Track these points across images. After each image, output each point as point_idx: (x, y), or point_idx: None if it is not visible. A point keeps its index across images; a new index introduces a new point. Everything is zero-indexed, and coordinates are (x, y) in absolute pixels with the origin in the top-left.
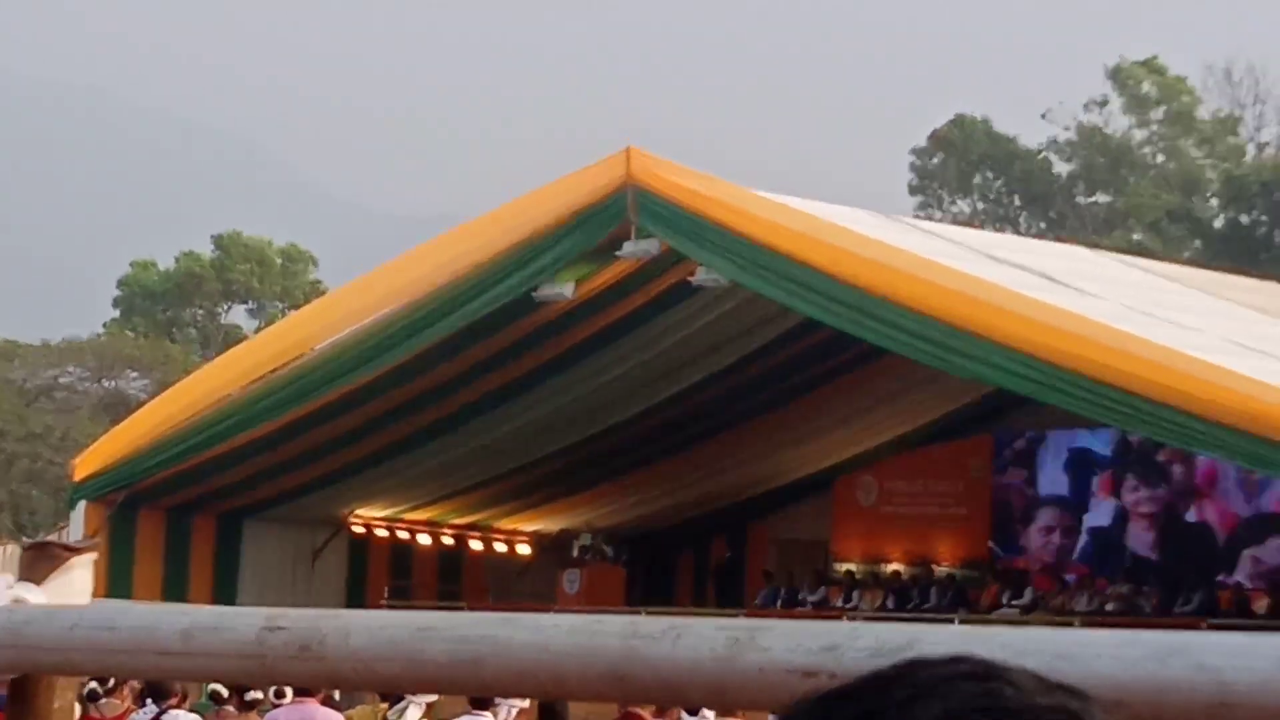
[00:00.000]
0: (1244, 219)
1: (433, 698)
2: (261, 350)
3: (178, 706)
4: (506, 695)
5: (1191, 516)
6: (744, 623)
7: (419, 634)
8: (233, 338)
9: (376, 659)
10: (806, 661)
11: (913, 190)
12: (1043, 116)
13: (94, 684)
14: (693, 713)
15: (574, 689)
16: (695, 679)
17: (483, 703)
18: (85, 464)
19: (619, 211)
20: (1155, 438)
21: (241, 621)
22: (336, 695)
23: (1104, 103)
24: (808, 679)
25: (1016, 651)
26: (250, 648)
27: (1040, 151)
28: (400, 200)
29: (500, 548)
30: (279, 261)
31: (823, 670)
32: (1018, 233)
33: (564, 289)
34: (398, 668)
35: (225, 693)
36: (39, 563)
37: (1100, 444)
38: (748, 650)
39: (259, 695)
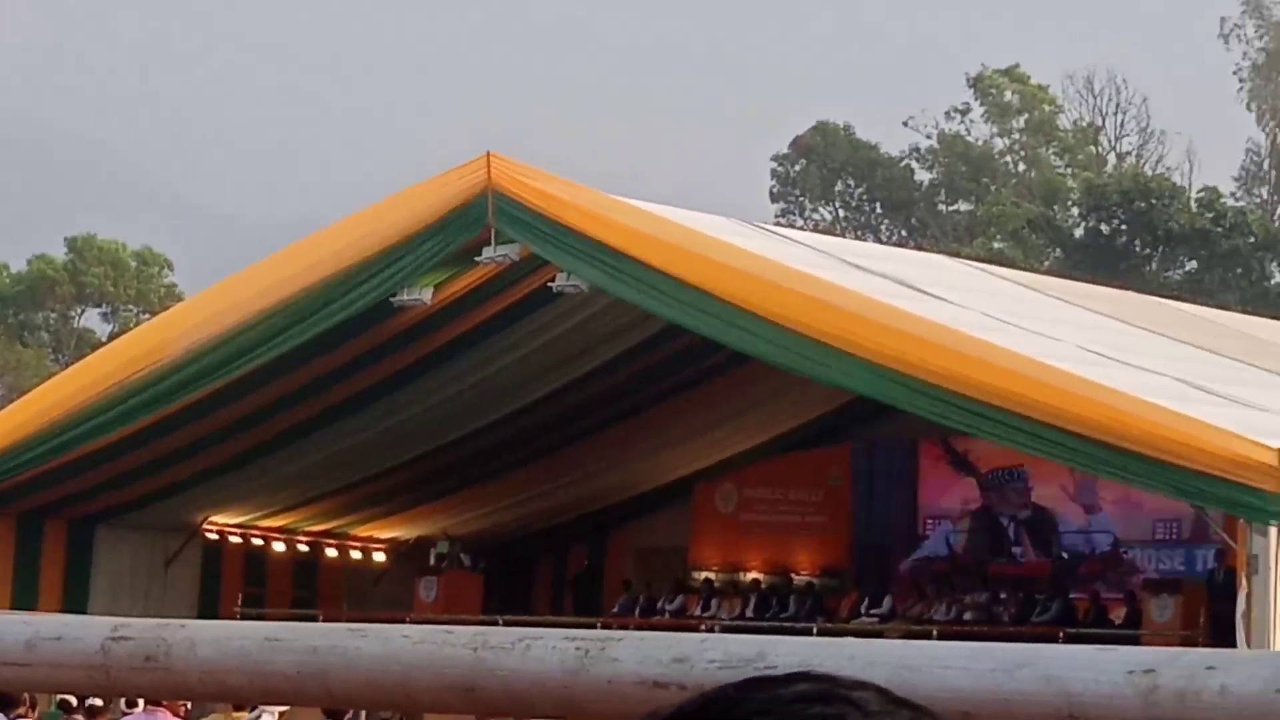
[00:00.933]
0: (1104, 228)
1: (284, 707)
2: (118, 356)
3: (25, 716)
4: (354, 707)
5: (1054, 526)
6: (594, 634)
7: (267, 645)
8: (86, 342)
9: (223, 670)
10: (656, 673)
11: (774, 197)
12: (905, 124)
13: None
14: None
15: (423, 701)
16: (545, 691)
17: (336, 713)
18: None
19: (479, 217)
20: (1015, 447)
21: (86, 631)
22: (189, 705)
23: (966, 111)
24: (658, 690)
25: (865, 664)
26: (95, 658)
27: (902, 159)
28: (257, 205)
29: (356, 555)
30: (133, 265)
31: (672, 682)
32: (879, 240)
33: (422, 294)
34: (244, 679)
35: (74, 702)
36: None
37: (960, 454)
38: (597, 662)
39: (98, 703)
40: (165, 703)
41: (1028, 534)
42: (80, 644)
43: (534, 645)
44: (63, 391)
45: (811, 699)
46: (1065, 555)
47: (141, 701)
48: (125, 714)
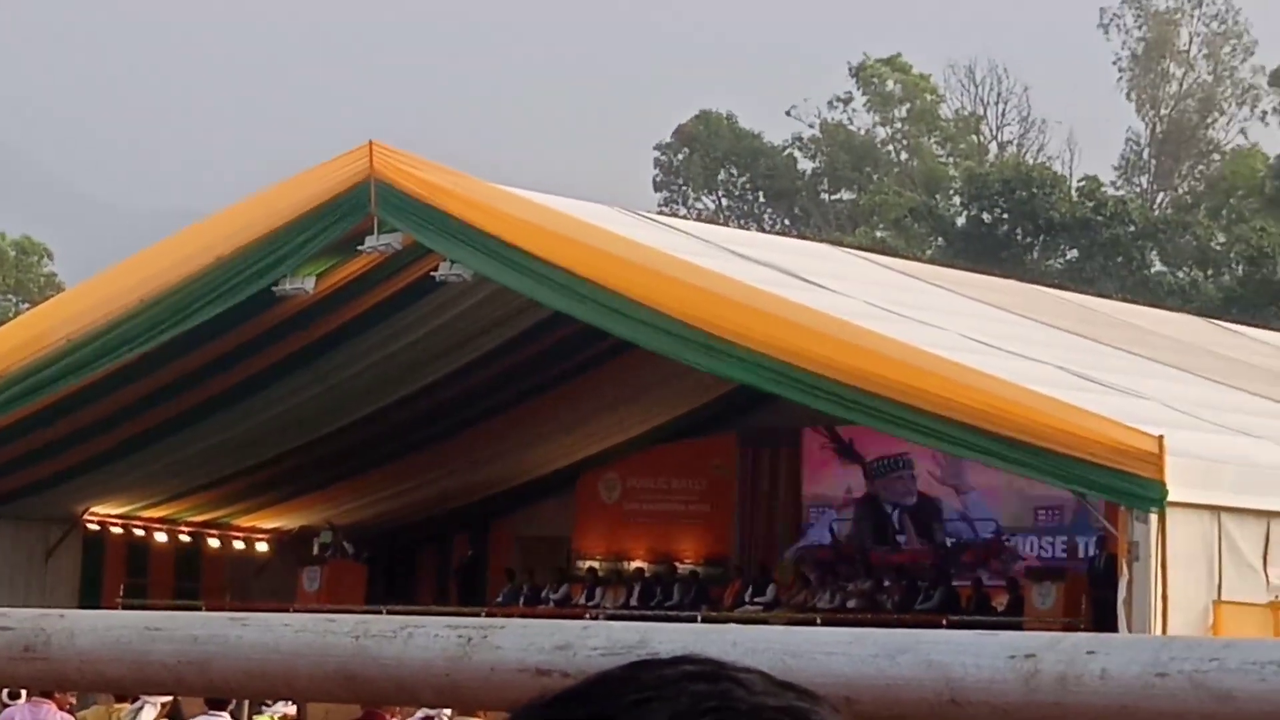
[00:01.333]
0: (985, 217)
1: (168, 698)
2: None
3: None
4: (236, 696)
5: (938, 514)
6: (476, 622)
7: (147, 634)
8: None
9: (103, 660)
10: (539, 660)
11: (657, 186)
12: (787, 113)
13: None
14: None
15: (305, 689)
16: (427, 679)
17: (219, 703)
18: None
19: (361, 205)
20: (898, 435)
21: None
22: (74, 700)
23: (848, 100)
24: (540, 678)
25: (747, 650)
26: None
27: (785, 148)
28: (139, 194)
29: (239, 545)
30: (12, 254)
31: (555, 669)
32: (762, 229)
33: (305, 284)
34: (125, 669)
35: None
36: None
37: (845, 442)
38: (480, 650)
39: None
40: (53, 695)
41: (912, 521)
42: None
43: (416, 633)
44: None
45: (696, 678)
46: (949, 543)
47: (24, 693)
48: (8, 705)
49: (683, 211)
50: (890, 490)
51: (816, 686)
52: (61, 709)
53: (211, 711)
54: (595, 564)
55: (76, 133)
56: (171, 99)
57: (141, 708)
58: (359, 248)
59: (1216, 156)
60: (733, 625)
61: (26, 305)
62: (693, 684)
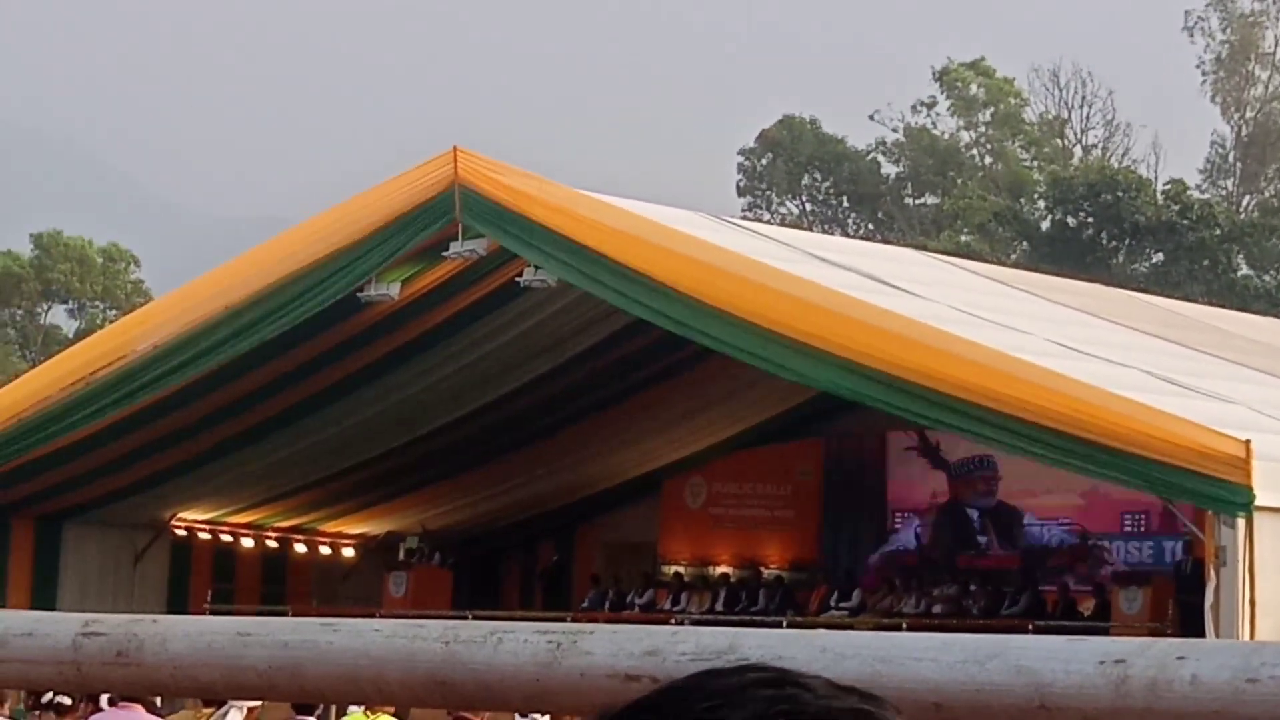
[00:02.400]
0: (1070, 221)
1: (256, 702)
2: (85, 353)
3: None
4: (327, 701)
5: (1018, 518)
6: (566, 627)
7: (238, 639)
8: (53, 338)
9: (195, 665)
10: (629, 665)
11: (741, 191)
12: (871, 118)
13: None
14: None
15: (395, 695)
16: (517, 684)
17: (306, 707)
18: None
19: (446, 211)
20: (982, 440)
21: (57, 627)
22: (158, 702)
23: (932, 104)
24: (630, 683)
25: (836, 655)
26: (66, 654)
27: (868, 153)
28: (224, 201)
29: (325, 551)
30: (99, 261)
31: (645, 674)
32: (846, 234)
33: (390, 289)
34: (216, 674)
35: (44, 699)
36: None
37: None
38: (570, 655)
39: (66, 700)
40: (140, 699)
41: (993, 525)
42: (51, 640)
43: (506, 639)
44: (30, 388)
45: (763, 684)
46: (1031, 547)
47: (105, 698)
48: (97, 709)
49: (766, 217)
50: (972, 492)
51: (905, 693)
52: (149, 713)
53: (299, 717)
54: (680, 569)
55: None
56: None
57: (227, 712)
58: (444, 254)
59: None
60: (821, 630)
61: (114, 312)
62: (760, 690)
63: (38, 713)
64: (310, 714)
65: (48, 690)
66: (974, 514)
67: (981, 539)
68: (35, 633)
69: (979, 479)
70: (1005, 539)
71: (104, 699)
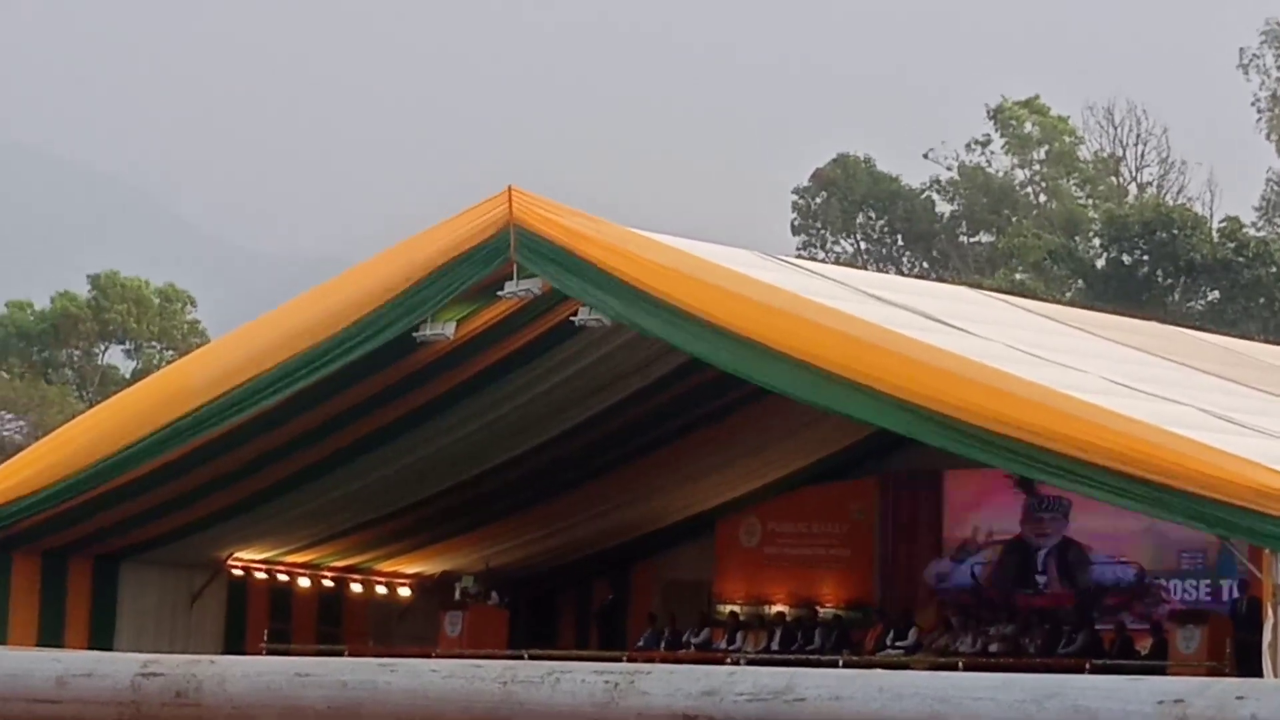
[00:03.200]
0: (1125, 259)
1: None
2: (142, 393)
3: None
4: None
5: (1085, 558)
6: (623, 667)
7: (297, 680)
8: (110, 379)
9: (254, 705)
10: (686, 705)
11: (795, 230)
12: (925, 156)
13: None
14: None
15: None
16: None
17: None
18: None
19: (501, 251)
20: (1038, 479)
21: (116, 668)
22: None
23: (986, 142)
24: None
25: (894, 695)
26: (125, 694)
27: (923, 191)
28: (280, 241)
29: (381, 590)
30: (156, 302)
31: (702, 714)
32: (900, 273)
33: (445, 329)
34: (275, 714)
35: None
36: None
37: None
38: (627, 695)
39: None
40: None
41: (1056, 564)
42: (111, 680)
43: (563, 679)
44: (87, 429)
45: None
46: (1093, 585)
47: None
48: None
49: (821, 255)
50: (1040, 531)
51: None
52: None
53: None
54: (736, 608)
55: (220, 181)
56: (314, 148)
57: None
58: (499, 293)
59: None
60: (879, 670)
61: (171, 352)
62: None
63: None
64: None
65: None
66: (1040, 552)
67: (1040, 577)
68: (95, 673)
69: (1051, 519)
70: (1066, 577)
71: None
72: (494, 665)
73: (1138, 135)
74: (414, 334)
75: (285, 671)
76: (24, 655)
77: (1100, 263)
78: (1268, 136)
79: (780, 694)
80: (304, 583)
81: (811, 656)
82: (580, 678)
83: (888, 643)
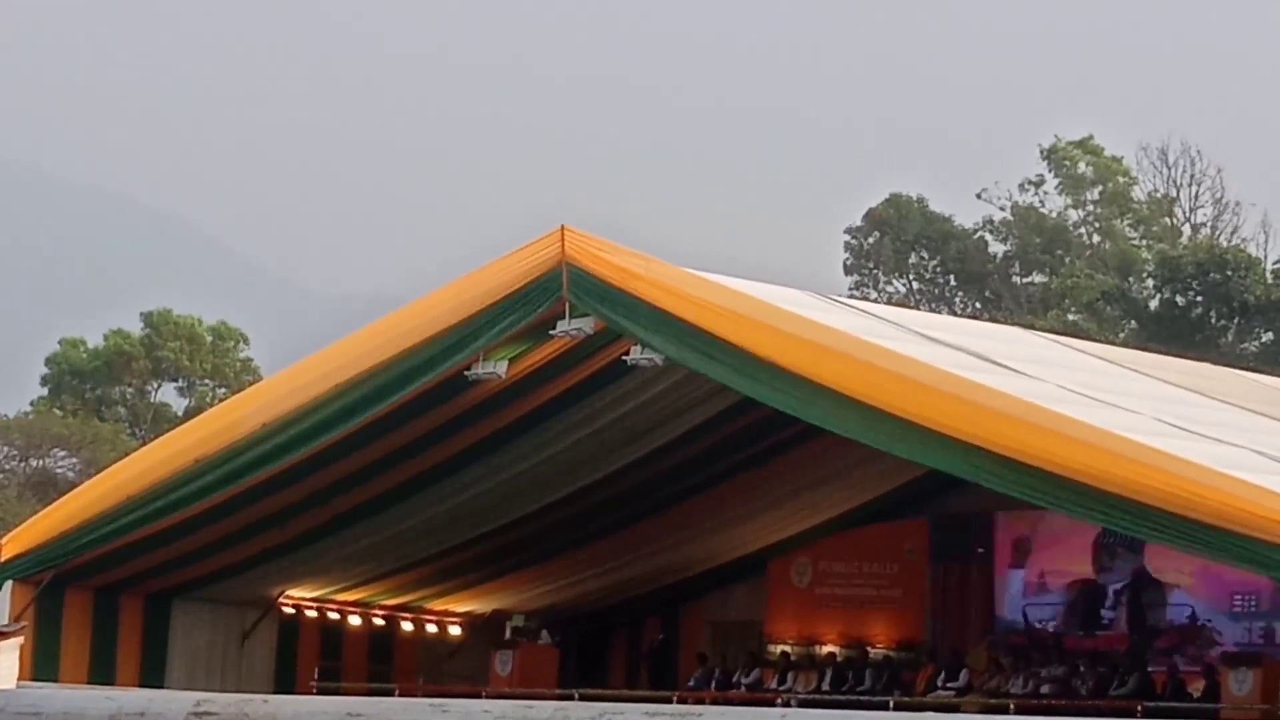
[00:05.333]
0: (1179, 300)
1: None
2: (194, 432)
3: None
4: None
5: (1155, 597)
6: (674, 708)
7: None
8: (163, 416)
9: None
10: None
11: (848, 270)
12: (978, 196)
13: None
14: None
15: None
16: None
17: None
18: (13, 543)
19: (553, 290)
20: (1091, 520)
21: (169, 706)
22: None
23: (1040, 182)
24: None
25: None
26: None
27: (976, 231)
28: (333, 279)
29: (431, 629)
30: (209, 339)
31: None
32: (953, 313)
33: (497, 368)
34: None
35: None
36: None
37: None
38: None
39: None
40: None
41: (1128, 601)
42: (164, 719)
43: (616, 719)
44: (139, 466)
45: None
46: (1168, 624)
47: None
48: None
49: (874, 295)
50: (1110, 566)
51: None
52: None
53: None
54: (787, 648)
55: (274, 219)
56: (369, 186)
57: None
58: (551, 332)
59: None
60: (929, 713)
61: (223, 390)
62: None
63: None
64: None
65: None
66: (1110, 588)
67: (1108, 613)
68: (147, 712)
69: (1124, 553)
70: (1138, 615)
71: None
72: (546, 706)
73: (1192, 176)
74: (466, 372)
75: (336, 711)
76: (78, 694)
77: (1154, 304)
78: None
79: None
80: (355, 621)
81: (863, 698)
82: (632, 718)
83: (939, 684)
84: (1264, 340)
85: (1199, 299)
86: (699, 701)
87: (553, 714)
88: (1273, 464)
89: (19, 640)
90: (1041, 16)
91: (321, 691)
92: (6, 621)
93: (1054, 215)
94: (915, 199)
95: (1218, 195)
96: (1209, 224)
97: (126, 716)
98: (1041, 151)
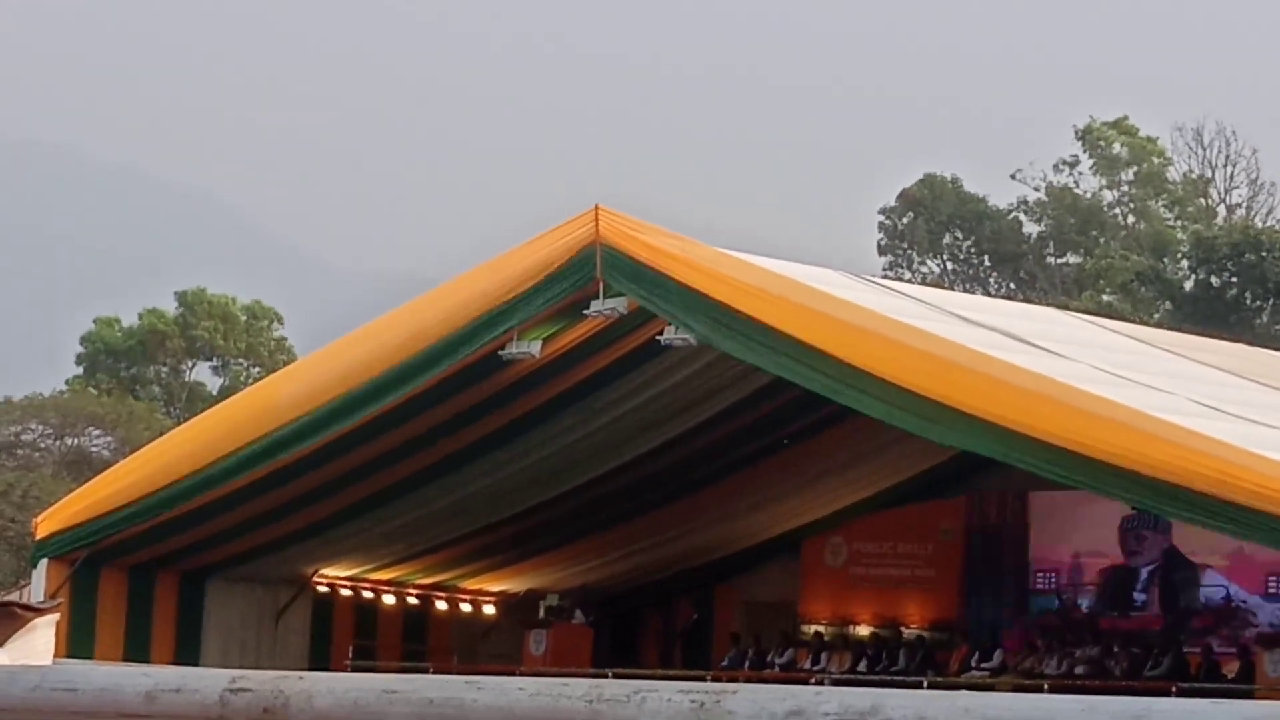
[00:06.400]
0: (1214, 281)
1: None
2: (229, 410)
3: None
4: None
5: (1187, 577)
6: (709, 686)
7: (384, 697)
8: (197, 395)
9: None
10: None
11: (882, 250)
12: (1013, 177)
13: None
14: None
15: None
16: None
17: None
18: (48, 522)
19: (587, 270)
20: (1125, 501)
21: (204, 683)
22: None
23: (1074, 163)
24: None
25: (979, 717)
26: (213, 709)
27: (1010, 212)
28: (368, 258)
29: (466, 608)
30: (243, 318)
31: None
32: (987, 293)
33: (531, 347)
34: None
35: None
36: (1, 623)
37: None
38: (713, 714)
39: None
40: None
41: (1160, 582)
42: (199, 696)
43: (650, 698)
44: (174, 445)
45: None
46: (1201, 606)
47: None
48: None
49: (908, 276)
50: (1139, 549)
51: None
52: None
53: None
54: (821, 628)
55: (306, 198)
56: (402, 165)
57: None
58: (584, 312)
59: None
60: (963, 692)
61: (258, 369)
62: None
63: None
64: None
65: None
66: (1142, 571)
67: (1140, 595)
68: (183, 688)
69: (1151, 534)
70: (1170, 596)
71: None
72: (580, 684)
73: (1227, 157)
74: (500, 352)
75: (372, 688)
76: (114, 670)
77: (1188, 284)
78: None
79: (866, 714)
80: (389, 600)
81: (896, 678)
82: (666, 697)
83: (973, 664)
84: None
85: (1234, 280)
86: (733, 681)
87: (587, 691)
88: None
89: (55, 617)
90: None
91: (355, 670)
92: (42, 599)
93: (1088, 196)
94: (949, 179)
95: (1253, 176)
96: (1244, 205)
97: (162, 693)
98: (1076, 132)
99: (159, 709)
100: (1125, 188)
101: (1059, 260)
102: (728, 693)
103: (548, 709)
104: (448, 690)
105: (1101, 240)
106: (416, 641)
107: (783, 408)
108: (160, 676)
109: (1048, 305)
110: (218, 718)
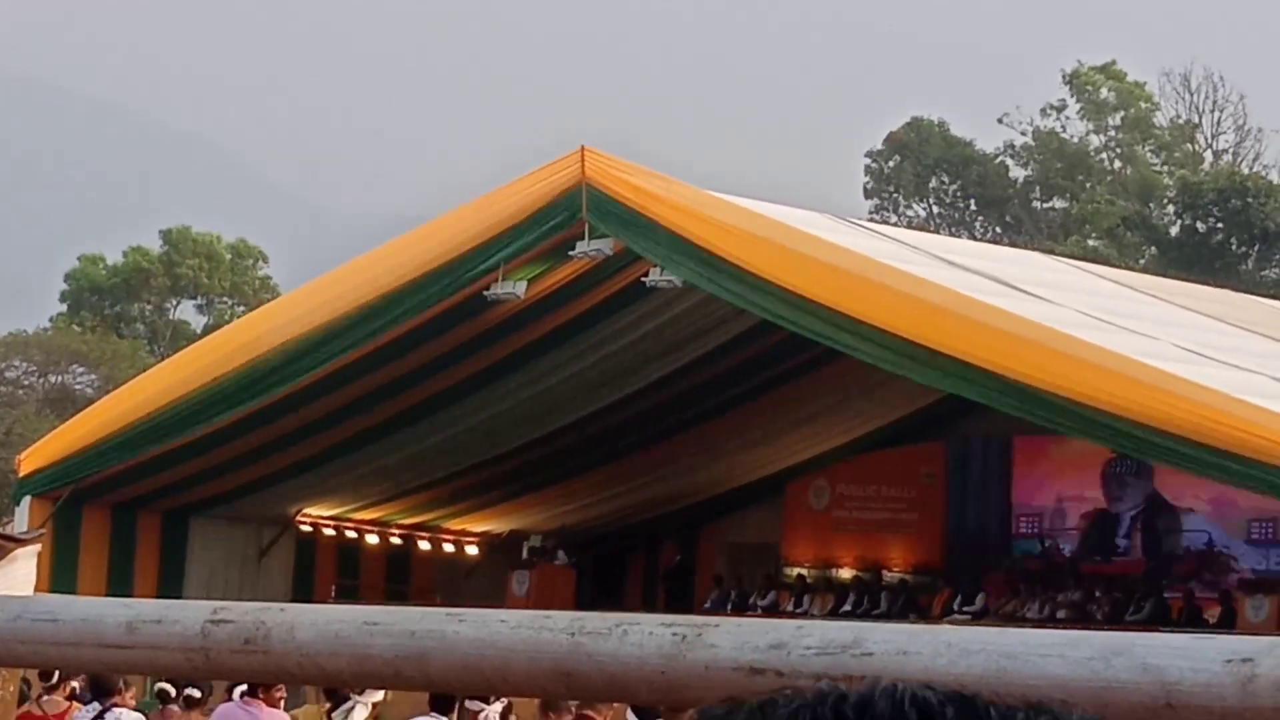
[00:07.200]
0: (1200, 227)
1: (379, 696)
2: (213, 349)
3: (122, 704)
4: (452, 691)
5: (1170, 522)
6: (691, 619)
7: (365, 629)
8: (181, 334)
9: (322, 653)
10: (754, 658)
11: (868, 193)
12: (999, 121)
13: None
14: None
15: (521, 685)
16: (641, 676)
17: (444, 705)
18: (31, 459)
19: (573, 211)
20: (1108, 446)
21: (186, 614)
22: (284, 695)
23: (1061, 108)
24: (755, 676)
25: (962, 650)
26: (194, 640)
27: (997, 156)
28: (352, 198)
29: (449, 548)
30: (228, 257)
31: (769, 668)
32: (973, 237)
33: (516, 288)
34: (343, 663)
35: (172, 691)
36: None
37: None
38: (695, 647)
39: (195, 693)
40: (262, 693)
41: (1142, 526)
42: (180, 627)
43: (631, 630)
44: (158, 384)
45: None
46: (1184, 550)
47: (238, 691)
48: (228, 697)
49: (893, 219)
50: (1121, 494)
51: (1031, 690)
52: (272, 707)
53: (433, 714)
54: (803, 571)
55: (294, 138)
56: (386, 105)
57: (353, 708)
58: (570, 253)
59: None
60: (946, 626)
61: (242, 308)
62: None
63: (167, 705)
64: (447, 711)
65: (175, 681)
66: (1124, 515)
67: (1123, 540)
68: (164, 619)
69: (1134, 479)
70: (1153, 540)
71: (236, 692)
72: (562, 616)
73: (1214, 102)
74: (485, 292)
75: (354, 620)
76: (95, 602)
77: (1174, 230)
78: None
79: (848, 648)
80: (372, 540)
81: (878, 621)
82: (648, 630)
83: (955, 607)
84: None
85: (1219, 225)
86: None
87: (569, 624)
88: None
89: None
90: None
91: None
92: (25, 529)
93: (1075, 140)
94: (936, 123)
95: (1240, 122)
96: (1230, 150)
97: (144, 624)
98: (1063, 76)
99: (140, 639)
100: (1112, 133)
101: (1045, 205)
102: (710, 626)
103: (530, 641)
104: (429, 622)
105: (1088, 185)
106: (399, 581)
107: (768, 350)
108: (141, 608)
109: (1033, 250)
110: (199, 649)
